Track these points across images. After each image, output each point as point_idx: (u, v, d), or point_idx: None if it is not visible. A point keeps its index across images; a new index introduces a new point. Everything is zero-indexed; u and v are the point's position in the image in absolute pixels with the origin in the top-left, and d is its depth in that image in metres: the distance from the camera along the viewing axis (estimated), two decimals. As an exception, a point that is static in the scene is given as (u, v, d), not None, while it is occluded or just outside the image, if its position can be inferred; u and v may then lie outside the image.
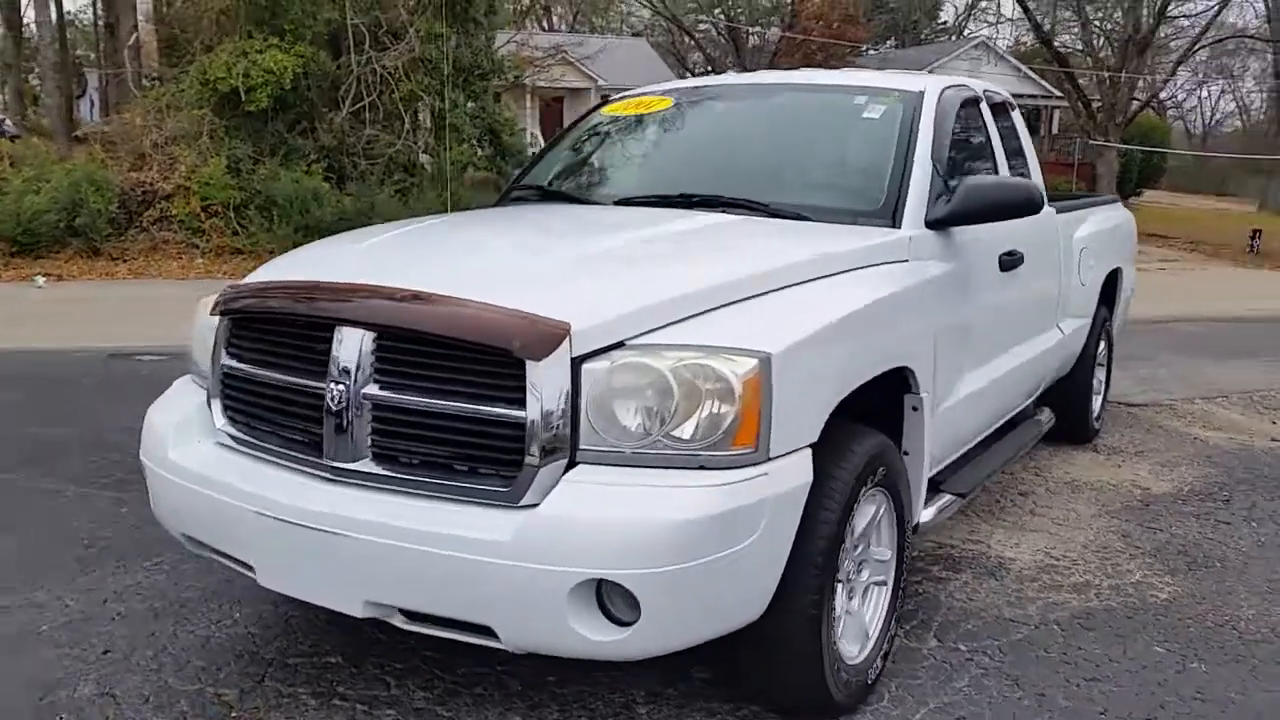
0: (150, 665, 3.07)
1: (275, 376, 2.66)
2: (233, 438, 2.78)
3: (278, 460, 2.65)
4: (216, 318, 2.86)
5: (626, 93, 4.38)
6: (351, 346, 2.46)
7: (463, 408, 2.35)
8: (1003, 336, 4.01)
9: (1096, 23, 29.40)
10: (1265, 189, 33.74)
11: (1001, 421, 4.35)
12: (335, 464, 2.50)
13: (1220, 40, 31.46)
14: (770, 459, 2.34)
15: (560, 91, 31.52)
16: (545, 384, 2.26)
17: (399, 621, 2.46)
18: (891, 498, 2.94)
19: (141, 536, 4.06)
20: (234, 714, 2.83)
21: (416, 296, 2.44)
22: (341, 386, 2.46)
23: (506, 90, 23.72)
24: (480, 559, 2.23)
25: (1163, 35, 29.46)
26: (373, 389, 2.45)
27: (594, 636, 2.23)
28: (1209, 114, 60.78)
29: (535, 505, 2.28)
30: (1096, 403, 5.87)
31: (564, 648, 2.29)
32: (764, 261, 2.75)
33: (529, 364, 2.27)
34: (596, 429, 2.29)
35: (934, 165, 3.47)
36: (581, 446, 2.30)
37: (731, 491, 2.26)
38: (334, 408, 2.47)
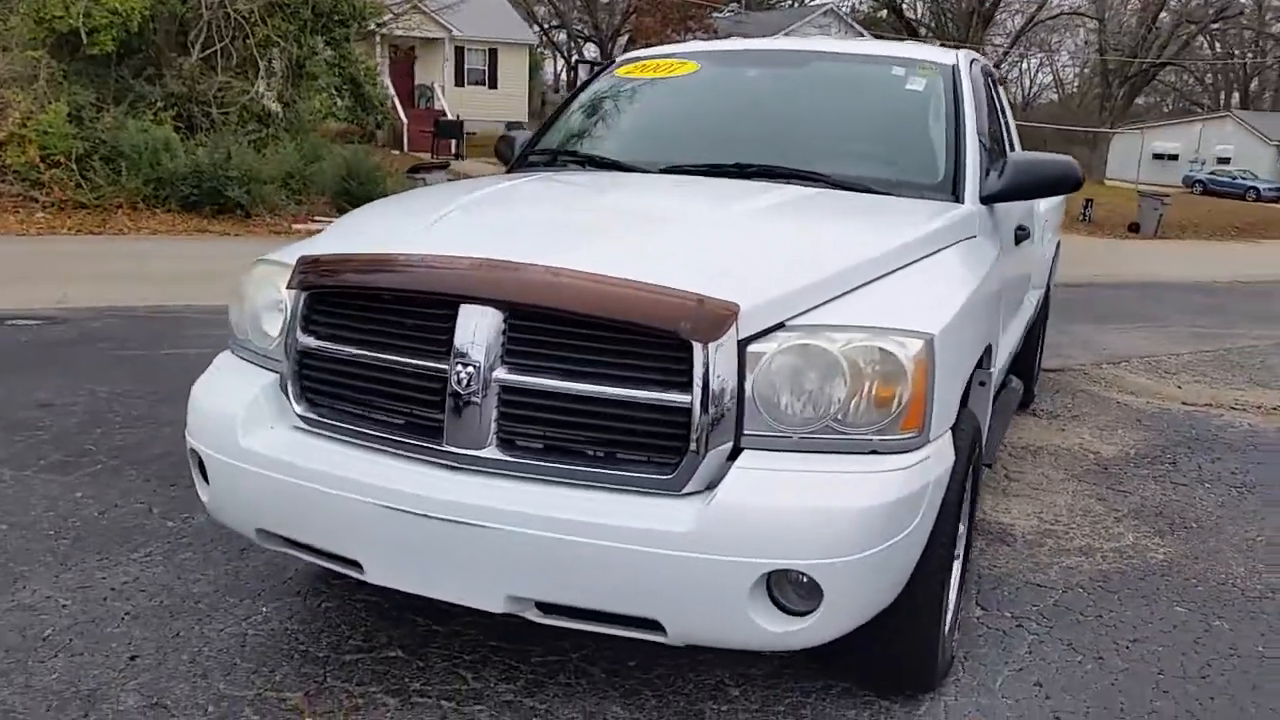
0: (192, 670, 2.81)
1: (379, 357, 2.44)
2: (312, 422, 2.55)
3: (377, 447, 2.44)
4: (287, 292, 2.60)
5: (636, 54, 4.23)
6: (482, 326, 2.27)
7: (615, 392, 2.22)
8: (1013, 310, 4.12)
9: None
10: (1089, 160, 35.96)
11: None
12: (456, 450, 2.32)
13: (1055, 16, 33.20)
14: (930, 442, 2.31)
15: (413, 41, 30.47)
16: (712, 367, 2.16)
17: (533, 615, 2.32)
18: (974, 473, 2.97)
19: (112, 524, 3.73)
20: (306, 719, 2.63)
21: (557, 274, 2.28)
22: (469, 369, 2.27)
23: (361, 40, 22.74)
24: (656, 550, 2.12)
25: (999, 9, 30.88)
26: (503, 372, 2.28)
27: (772, 628, 2.16)
28: (1028, 86, 64.26)
29: (697, 493, 2.19)
30: (1036, 369, 6.14)
31: (737, 640, 2.22)
32: (886, 238, 2.70)
33: (696, 346, 2.16)
34: (763, 413, 2.21)
35: (980, 140, 3.49)
36: (746, 432, 2.21)
37: (906, 476, 2.23)
38: (460, 392, 2.29)
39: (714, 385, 2.16)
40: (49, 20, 14.40)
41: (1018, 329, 4.30)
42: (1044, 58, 53.03)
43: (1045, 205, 5.43)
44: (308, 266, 2.55)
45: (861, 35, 34.70)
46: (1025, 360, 5.44)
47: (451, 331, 2.30)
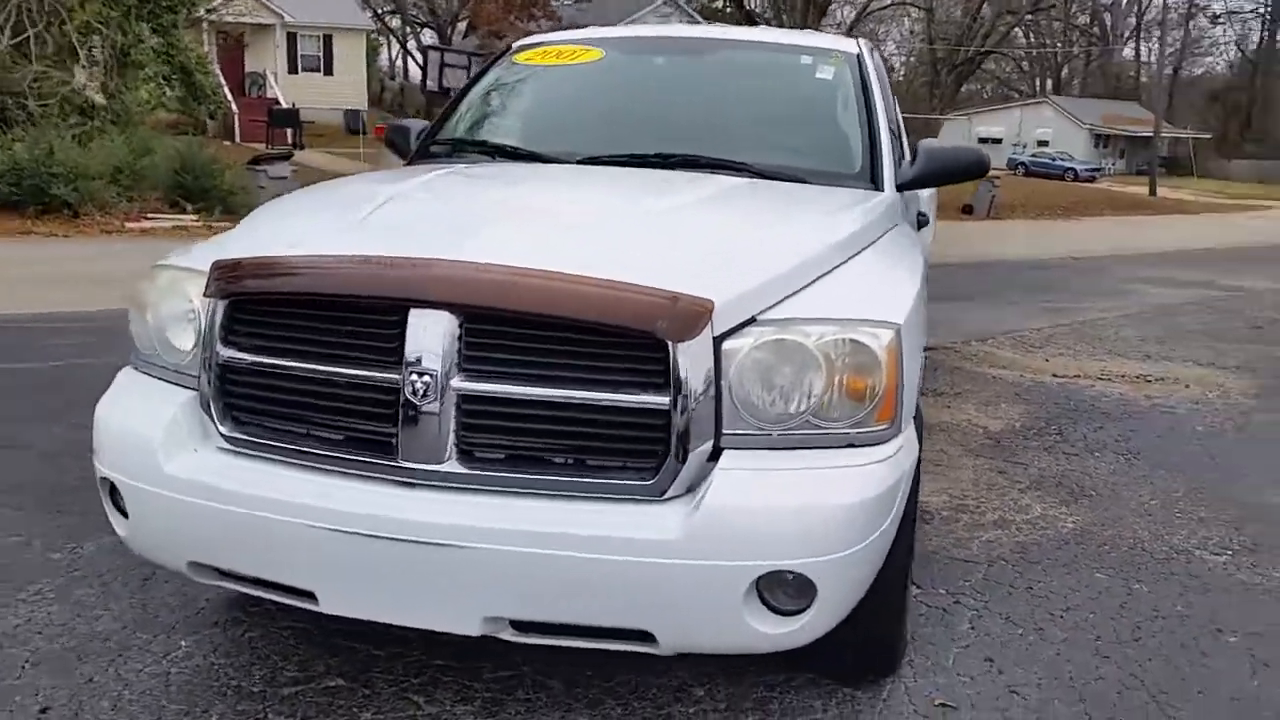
0: (114, 718, 2.56)
1: (316, 369, 2.24)
2: (239, 442, 2.33)
3: (317, 466, 2.26)
4: (202, 300, 2.37)
5: (534, 40, 4.08)
6: (436, 332, 2.13)
7: (587, 396, 2.11)
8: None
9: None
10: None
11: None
12: (411, 465, 2.17)
13: (885, 7, 34.44)
14: (900, 432, 2.30)
15: (243, 28, 29.13)
16: (689, 366, 2.08)
17: (508, 635, 2.20)
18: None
19: (-7, 561, 3.38)
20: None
21: (521, 274, 2.15)
22: (425, 379, 2.12)
23: (189, 28, 21.60)
24: (644, 560, 2.03)
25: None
26: (460, 380, 2.14)
27: (767, 630, 2.11)
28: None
29: (678, 497, 2.11)
30: (921, 348, 6.31)
31: (732, 645, 2.15)
32: (835, 228, 2.67)
33: (671, 346, 2.08)
34: (741, 411, 2.14)
35: (890, 128, 3.53)
36: (725, 431, 2.14)
37: (885, 469, 2.20)
38: (414, 403, 2.14)
39: (692, 385, 2.08)
40: None
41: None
42: (871, 48, 55.10)
43: (928, 191, 5.58)
44: (227, 271, 2.33)
45: (698, 24, 35.13)
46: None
47: (401, 339, 2.14)
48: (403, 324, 2.14)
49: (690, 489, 2.12)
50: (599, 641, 2.18)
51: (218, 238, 2.79)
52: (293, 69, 32.36)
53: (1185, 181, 46.31)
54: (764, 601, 2.12)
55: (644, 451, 2.13)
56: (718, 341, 2.12)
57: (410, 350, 2.13)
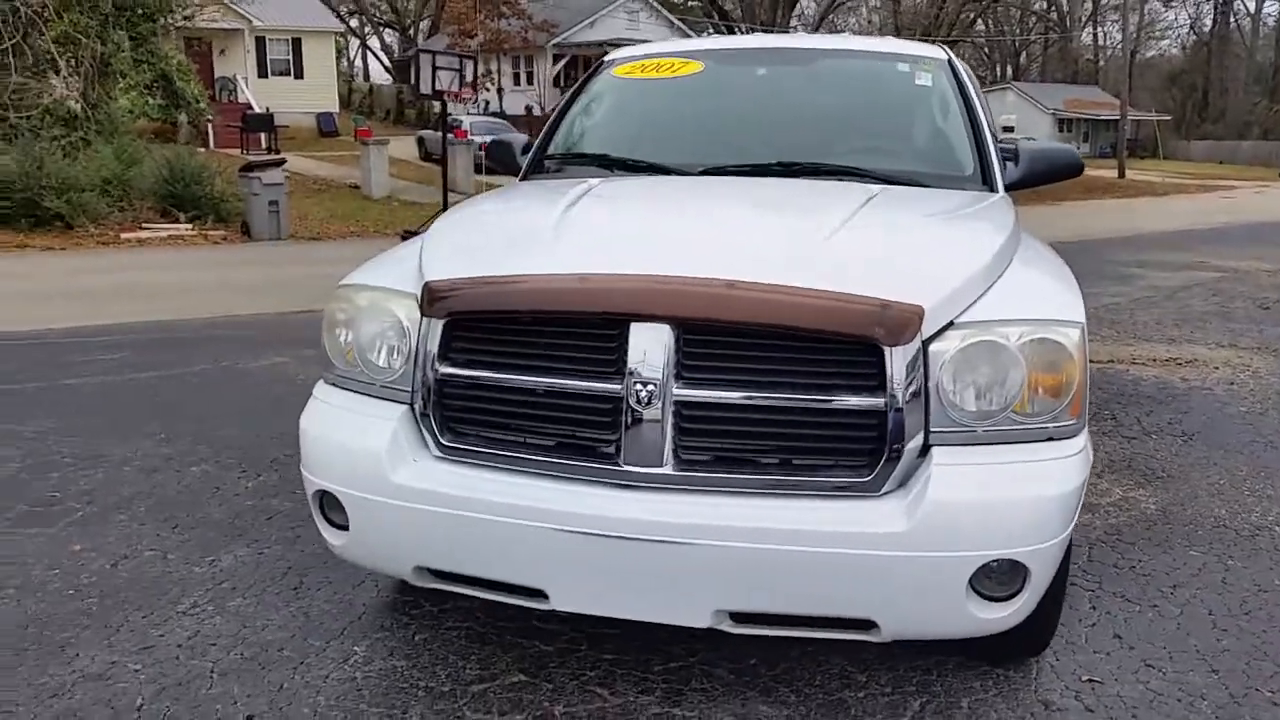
0: (319, 722, 2.67)
1: (540, 381, 2.37)
2: (458, 451, 2.45)
3: (537, 471, 2.38)
4: (414, 319, 2.48)
5: (629, 54, 4.19)
6: (655, 344, 2.26)
7: (801, 399, 2.25)
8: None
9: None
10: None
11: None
12: (633, 469, 2.30)
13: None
14: (1085, 425, 2.46)
15: (212, 34, 28.83)
16: (902, 369, 2.23)
17: (727, 626, 2.33)
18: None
19: (133, 576, 3.47)
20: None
21: (736, 287, 2.28)
22: (649, 388, 2.25)
23: (161, 34, 21.37)
24: (873, 553, 2.18)
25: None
26: (677, 388, 2.27)
27: (985, 615, 2.26)
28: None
29: (892, 492, 2.25)
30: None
31: (951, 631, 2.30)
32: (996, 232, 2.81)
33: (886, 350, 2.22)
34: (948, 410, 2.29)
35: (990, 131, 3.68)
36: (934, 429, 2.29)
37: (1081, 460, 2.37)
38: (637, 410, 2.27)
39: (905, 386, 2.23)
40: None
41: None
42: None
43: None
44: (446, 291, 2.45)
45: (672, 23, 35.26)
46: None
47: (623, 351, 2.27)
48: (623, 337, 2.27)
49: (902, 484, 2.26)
50: (817, 631, 2.33)
51: (393, 255, 2.90)
52: (263, 73, 32.13)
53: (1150, 164, 47.10)
54: (975, 589, 2.27)
55: (859, 450, 2.27)
56: (926, 344, 2.27)
57: (633, 362, 2.26)
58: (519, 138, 4.10)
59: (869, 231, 2.71)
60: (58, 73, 16.89)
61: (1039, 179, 3.63)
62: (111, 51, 17.59)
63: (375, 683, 2.85)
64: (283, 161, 16.18)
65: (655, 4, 35.91)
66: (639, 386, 2.26)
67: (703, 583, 2.25)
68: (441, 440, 2.46)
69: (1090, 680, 2.93)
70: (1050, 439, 2.36)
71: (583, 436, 2.36)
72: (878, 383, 2.23)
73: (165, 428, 5.16)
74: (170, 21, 19.12)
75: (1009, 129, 47.98)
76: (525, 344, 2.40)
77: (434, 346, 2.45)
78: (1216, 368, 6.87)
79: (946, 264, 2.51)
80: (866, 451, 2.27)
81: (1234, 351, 7.43)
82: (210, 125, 26.18)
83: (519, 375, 2.39)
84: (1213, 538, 3.96)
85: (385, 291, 2.60)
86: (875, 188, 3.14)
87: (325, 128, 32.19)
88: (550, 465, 2.38)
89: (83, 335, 7.71)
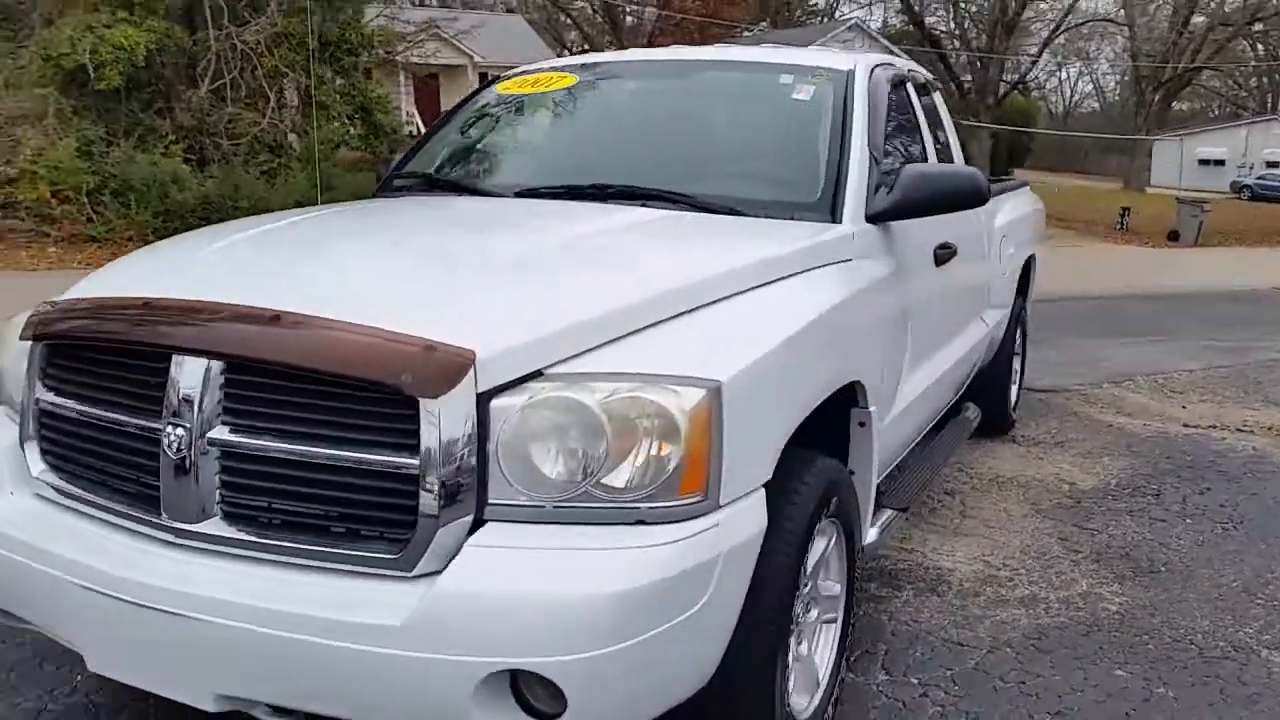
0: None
1: (101, 414, 2.13)
2: (55, 488, 2.24)
3: (108, 518, 2.13)
4: (28, 343, 2.31)
5: (520, 68, 3.89)
6: (192, 379, 1.96)
7: (338, 455, 1.88)
8: (939, 335, 3.71)
9: (964, 4, 29.88)
10: (1128, 168, 34.94)
11: (935, 421, 4.07)
12: (176, 524, 2.00)
13: (1080, 24, 32.43)
14: (720, 506, 1.94)
15: (435, 69, 30.51)
16: (444, 426, 1.81)
17: (261, 714, 1.98)
18: (842, 526, 2.59)
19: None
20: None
21: (276, 318, 1.95)
22: (181, 429, 1.96)
23: (377, 67, 22.76)
24: (362, 648, 1.78)
25: (1026, 18, 30.21)
26: (221, 432, 1.96)
27: (506, 739, 1.80)
28: (1069, 95, 63.04)
29: (432, 574, 1.83)
30: (1013, 392, 5.69)
31: None
32: (699, 268, 2.33)
33: (423, 402, 1.82)
34: (510, 479, 1.85)
35: (871, 153, 3.12)
36: (491, 501, 1.86)
37: (678, 551, 1.85)
38: (171, 455, 1.98)
39: (445, 447, 1.81)
40: (56, 58, 14.53)
41: (951, 355, 3.88)
42: (1083, 66, 51.88)
43: (1007, 218, 5.02)
44: (41, 313, 2.27)
45: (889, 49, 34.22)
46: (985, 382, 5.00)
47: (164, 386, 1.99)
48: (166, 370, 1.99)
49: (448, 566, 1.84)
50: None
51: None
52: (486, 106, 33.62)
53: None
54: (520, 700, 1.82)
55: (391, 521, 1.88)
56: (485, 397, 1.85)
57: (169, 398, 1.98)
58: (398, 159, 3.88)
59: (529, 264, 2.31)
60: (267, 104, 18.25)
61: (921, 208, 3.02)
62: (316, 84, 18.85)
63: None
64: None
65: (871, 33, 34.88)
66: (170, 427, 1.97)
67: (199, 661, 1.92)
68: (34, 474, 2.26)
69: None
70: (642, 522, 1.86)
71: (138, 482, 2.09)
72: (412, 441, 1.84)
73: None
74: (372, 58, 20.30)
75: (1274, 164, 43.26)
76: (95, 373, 2.18)
77: (32, 370, 2.28)
78: (1344, 445, 5.68)
79: (565, 302, 2.07)
80: (399, 524, 1.87)
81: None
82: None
83: (87, 406, 2.17)
84: (1162, 655, 3.17)
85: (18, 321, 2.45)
86: (637, 215, 2.74)
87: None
88: (115, 512, 2.13)
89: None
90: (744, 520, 2.00)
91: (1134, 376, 7.34)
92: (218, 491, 1.98)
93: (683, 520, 1.88)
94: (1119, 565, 3.86)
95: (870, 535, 3.02)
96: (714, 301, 2.23)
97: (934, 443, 4.04)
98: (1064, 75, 56.82)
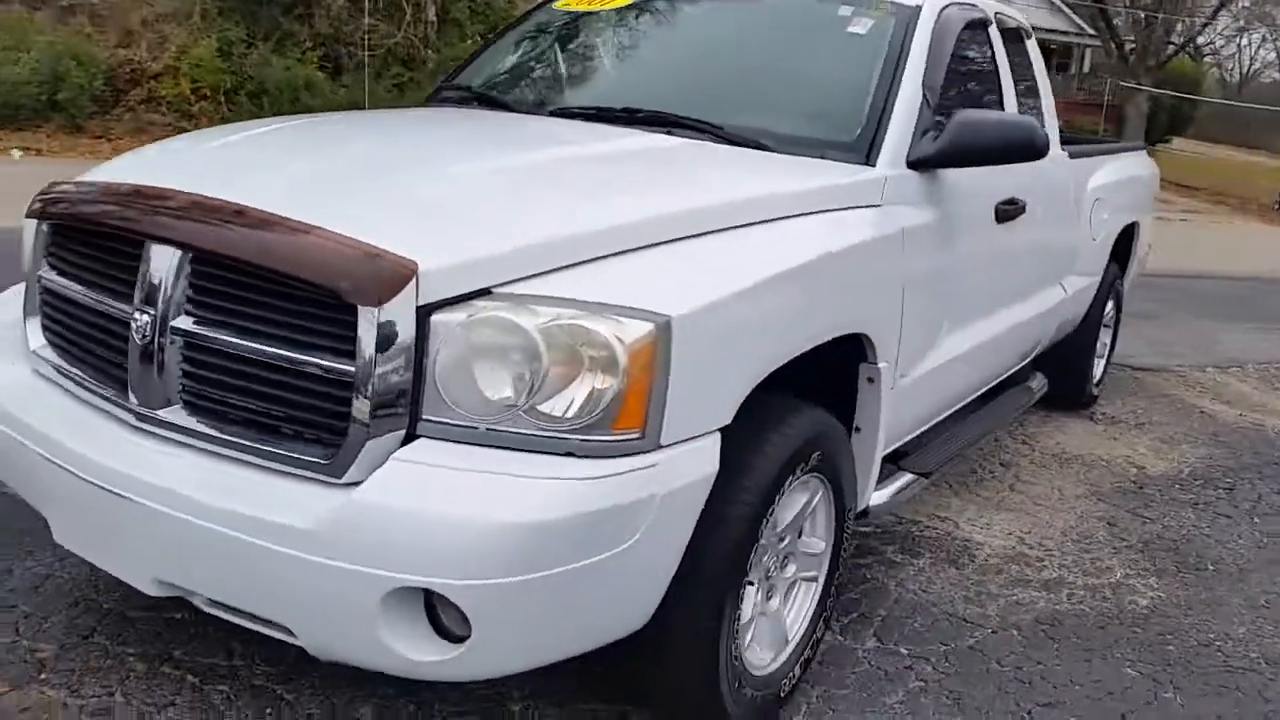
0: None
1: (87, 294, 2.20)
2: (51, 365, 2.32)
3: (88, 398, 2.20)
4: (34, 221, 2.38)
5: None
6: (161, 267, 1.99)
7: (283, 355, 1.88)
8: (994, 296, 3.51)
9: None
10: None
11: (987, 387, 3.88)
12: (140, 409, 2.04)
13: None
14: (661, 447, 1.87)
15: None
16: (380, 335, 1.79)
17: (200, 604, 2.03)
18: (830, 483, 2.49)
19: None
20: (43, 675, 2.42)
21: (239, 213, 1.95)
22: (148, 316, 1.99)
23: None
24: (278, 549, 1.78)
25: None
26: (184, 321, 1.98)
27: (411, 655, 1.78)
28: (1247, 63, 58.69)
29: (358, 484, 1.82)
30: (1098, 367, 5.39)
31: (376, 664, 1.85)
32: (690, 199, 2.24)
33: (361, 309, 1.79)
34: (445, 396, 1.82)
35: (924, 94, 2.93)
36: (424, 417, 1.83)
37: (602, 487, 1.79)
38: (138, 340, 2.01)
39: (380, 356, 1.79)
40: (204, -43, 14.94)
41: (1011, 318, 3.67)
42: (1267, 32, 48.06)
43: (1103, 180, 4.71)
44: (45, 194, 2.34)
45: (1050, 2, 32.35)
46: (1064, 354, 4.74)
47: (137, 272, 2.02)
48: (140, 257, 2.03)
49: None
50: (264, 628, 1.95)
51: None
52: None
53: None
54: (433, 621, 1.81)
55: (327, 426, 1.87)
56: (425, 311, 1.81)
57: (139, 284, 2.02)
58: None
59: (514, 178, 2.26)
60: (403, 17, 18.48)
61: (967, 156, 2.83)
62: (452, 2, 18.98)
63: (57, 586, 2.80)
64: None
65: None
66: (138, 312, 2.01)
67: (141, 546, 1.97)
68: (32, 347, 2.35)
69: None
70: (571, 454, 1.81)
71: (109, 363, 2.14)
72: (350, 346, 1.82)
73: None
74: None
75: None
76: (85, 255, 2.24)
77: (38, 247, 2.37)
78: None
79: (529, 221, 2.00)
80: (332, 429, 1.86)
81: None
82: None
83: (77, 286, 2.24)
84: (1180, 658, 2.98)
85: None
86: (651, 142, 2.63)
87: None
88: (94, 392, 2.19)
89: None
90: (688, 463, 1.92)
91: (1244, 364, 6.89)
92: (179, 380, 2.01)
93: (616, 457, 1.82)
94: (1163, 558, 3.64)
95: (879, 496, 2.91)
96: (695, 235, 2.13)
97: (982, 410, 3.86)
98: (1244, 41, 52.78)
